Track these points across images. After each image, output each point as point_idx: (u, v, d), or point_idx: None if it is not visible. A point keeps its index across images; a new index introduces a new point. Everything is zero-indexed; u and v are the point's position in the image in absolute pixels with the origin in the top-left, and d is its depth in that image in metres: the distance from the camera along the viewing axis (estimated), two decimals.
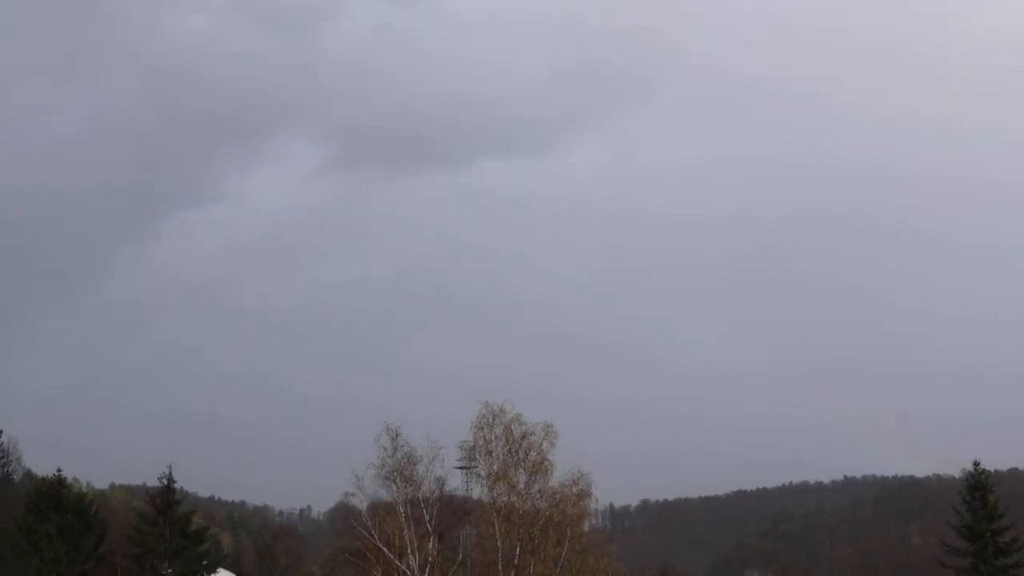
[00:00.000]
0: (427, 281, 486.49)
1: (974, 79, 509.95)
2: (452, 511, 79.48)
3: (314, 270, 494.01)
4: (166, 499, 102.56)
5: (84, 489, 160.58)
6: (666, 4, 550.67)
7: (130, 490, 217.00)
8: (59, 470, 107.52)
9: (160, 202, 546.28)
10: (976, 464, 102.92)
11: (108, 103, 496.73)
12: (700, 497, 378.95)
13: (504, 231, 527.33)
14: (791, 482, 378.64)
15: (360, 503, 73.47)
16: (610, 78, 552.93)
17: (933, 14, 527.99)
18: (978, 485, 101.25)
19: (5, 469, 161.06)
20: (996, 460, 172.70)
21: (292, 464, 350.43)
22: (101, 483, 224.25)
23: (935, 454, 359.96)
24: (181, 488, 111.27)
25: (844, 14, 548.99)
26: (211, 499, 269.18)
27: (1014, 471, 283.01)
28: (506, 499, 69.65)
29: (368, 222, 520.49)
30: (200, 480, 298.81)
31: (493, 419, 70.06)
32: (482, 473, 71.40)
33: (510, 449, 70.00)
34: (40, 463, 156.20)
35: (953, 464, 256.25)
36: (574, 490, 70.09)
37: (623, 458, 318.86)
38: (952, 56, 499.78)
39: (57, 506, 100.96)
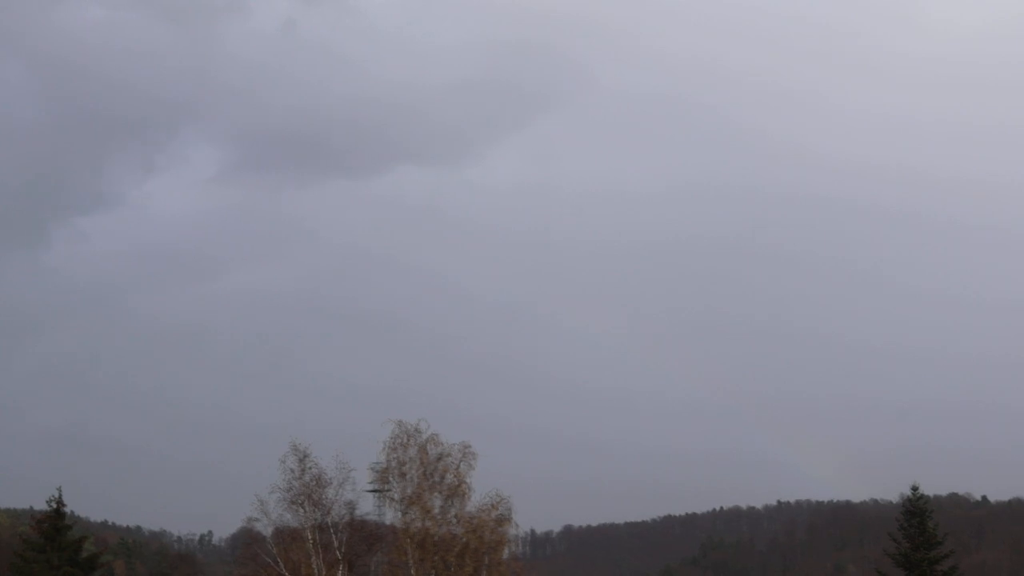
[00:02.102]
0: (333, 294, 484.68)
1: (878, 115, 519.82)
2: (363, 537, 79.26)
3: (215, 279, 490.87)
4: (54, 524, 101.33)
5: None
6: (576, 22, 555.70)
7: (15, 514, 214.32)
8: None
9: (52, 204, 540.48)
10: (914, 489, 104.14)
11: None
12: (626, 523, 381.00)
13: (414, 243, 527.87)
14: (722, 507, 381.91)
15: (264, 528, 73.26)
16: (520, 92, 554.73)
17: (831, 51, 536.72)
18: (916, 511, 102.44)
19: None
20: (935, 486, 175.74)
21: (192, 487, 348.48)
22: None
23: (872, 479, 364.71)
24: (72, 512, 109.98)
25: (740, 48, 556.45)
26: (104, 524, 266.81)
27: (953, 496, 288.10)
28: (420, 524, 69.64)
29: (272, 229, 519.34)
30: (92, 504, 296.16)
31: (407, 439, 70.05)
32: (395, 497, 71.35)
33: (425, 472, 70.02)
34: None
35: (890, 489, 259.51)
36: (493, 515, 70.22)
37: (546, 483, 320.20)
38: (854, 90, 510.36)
39: None
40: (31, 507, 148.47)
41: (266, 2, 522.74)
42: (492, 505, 70.22)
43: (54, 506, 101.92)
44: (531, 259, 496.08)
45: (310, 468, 70.66)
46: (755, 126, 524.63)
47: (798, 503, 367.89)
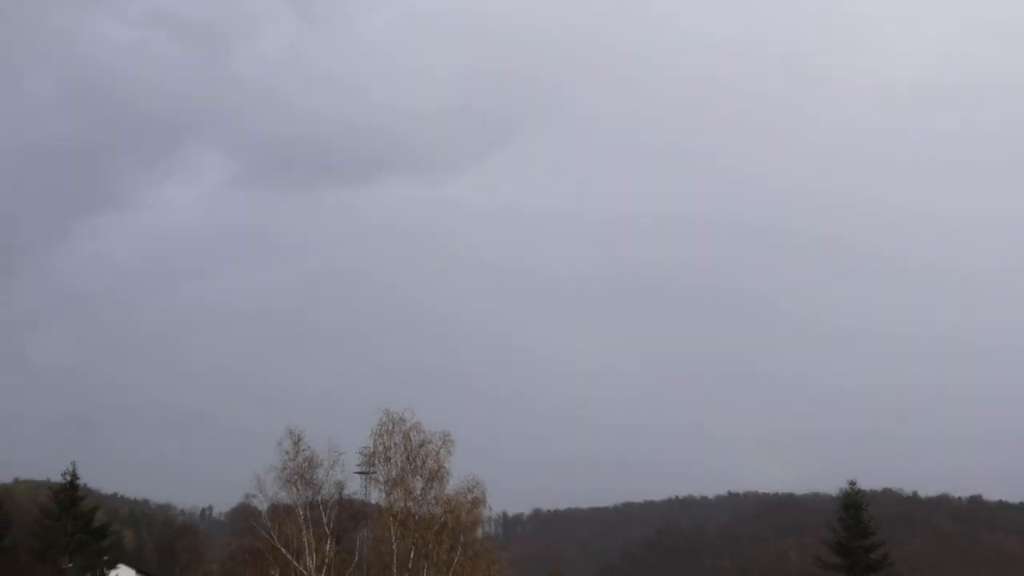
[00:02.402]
0: (326, 295, 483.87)
1: (843, 142, 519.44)
2: (350, 515, 79.11)
3: (224, 275, 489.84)
4: (69, 495, 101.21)
5: None
6: (553, 52, 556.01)
7: (35, 486, 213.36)
8: None
9: (75, 206, 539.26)
10: (852, 483, 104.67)
11: (23, 105, 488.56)
12: (589, 507, 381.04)
13: (397, 256, 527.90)
14: (677, 496, 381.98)
15: (261, 504, 73.03)
16: (499, 116, 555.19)
17: (814, 77, 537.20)
18: (852, 504, 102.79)
19: None
20: (870, 480, 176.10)
21: (194, 465, 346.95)
22: (6, 478, 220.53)
23: (813, 474, 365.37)
24: (85, 485, 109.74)
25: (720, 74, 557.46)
26: (115, 496, 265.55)
27: (887, 491, 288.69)
28: (403, 504, 69.59)
29: (279, 231, 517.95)
30: (104, 477, 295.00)
31: (393, 427, 70.00)
32: (380, 479, 71.27)
33: (408, 456, 69.96)
34: None
35: (830, 483, 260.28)
36: (469, 498, 70.19)
37: (518, 468, 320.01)
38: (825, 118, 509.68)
39: None
40: (48, 479, 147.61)
41: (272, 28, 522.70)
42: (468, 488, 70.18)
43: (69, 479, 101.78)
44: (505, 277, 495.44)
45: (303, 451, 70.49)
46: (723, 157, 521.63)
47: (746, 494, 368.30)
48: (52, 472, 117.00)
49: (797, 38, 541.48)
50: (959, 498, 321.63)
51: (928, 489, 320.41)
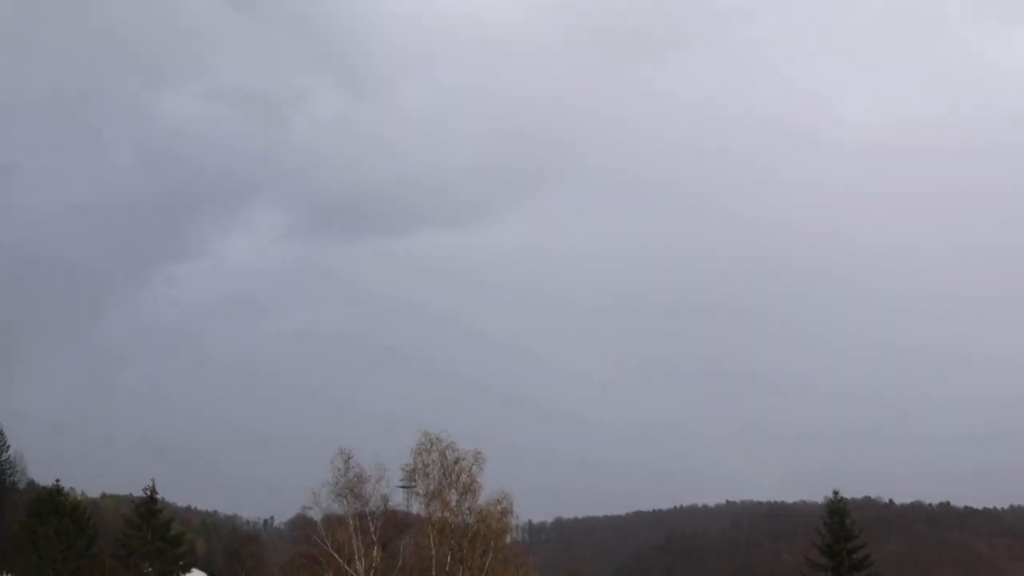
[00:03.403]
0: (370, 332, 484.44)
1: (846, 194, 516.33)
2: (394, 524, 78.87)
3: (275, 320, 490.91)
4: (149, 508, 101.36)
5: (79, 497, 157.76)
6: (567, 113, 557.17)
7: (119, 499, 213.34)
8: (58, 480, 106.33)
9: (152, 257, 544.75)
10: (835, 493, 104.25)
11: (107, 171, 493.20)
12: (605, 516, 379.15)
13: (436, 292, 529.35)
14: (682, 505, 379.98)
15: (316, 515, 73.11)
16: (524, 172, 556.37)
17: (803, 130, 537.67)
18: (836, 511, 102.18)
19: (11, 479, 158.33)
20: (852, 490, 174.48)
21: (258, 481, 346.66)
22: (94, 493, 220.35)
23: (802, 484, 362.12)
24: (162, 499, 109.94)
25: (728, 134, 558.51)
26: (188, 508, 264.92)
27: (867, 499, 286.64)
28: (440, 515, 69.49)
29: (326, 280, 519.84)
30: (179, 491, 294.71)
31: (431, 446, 69.95)
32: (420, 492, 71.21)
33: (444, 472, 69.88)
34: (41, 474, 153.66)
35: (816, 492, 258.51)
36: (498, 508, 70.04)
37: (542, 481, 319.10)
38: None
39: (55, 511, 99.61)
40: (131, 494, 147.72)
41: (322, 99, 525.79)
42: (498, 500, 70.02)
43: (149, 493, 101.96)
44: (531, 306, 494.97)
45: (353, 468, 70.51)
46: (729, 202, 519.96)
47: (743, 502, 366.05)
48: (134, 487, 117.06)
49: (788, 99, 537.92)
50: (930, 504, 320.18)
51: (902, 496, 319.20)
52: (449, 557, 67.96)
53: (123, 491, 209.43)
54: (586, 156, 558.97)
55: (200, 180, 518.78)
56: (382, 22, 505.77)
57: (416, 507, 74.60)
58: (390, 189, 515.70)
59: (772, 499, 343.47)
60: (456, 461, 69.99)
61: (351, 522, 70.48)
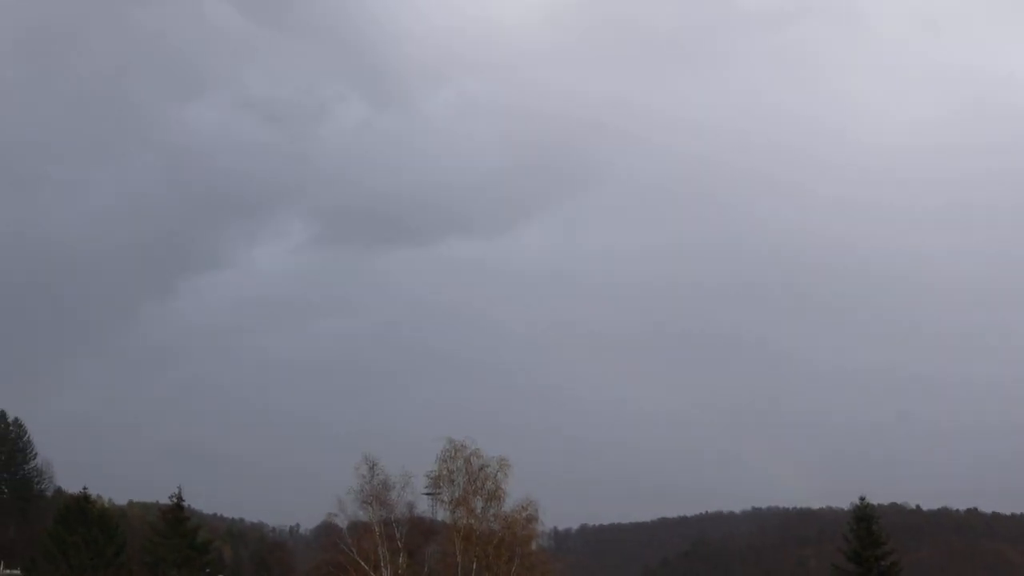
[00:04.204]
0: (400, 335, 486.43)
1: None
2: (420, 531, 79.14)
3: (307, 324, 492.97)
4: (176, 515, 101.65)
5: (106, 505, 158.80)
6: (589, 122, 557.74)
7: (146, 507, 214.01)
8: (85, 488, 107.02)
9: (179, 265, 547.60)
10: (862, 499, 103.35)
11: (134, 182, 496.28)
12: (631, 523, 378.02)
13: (467, 296, 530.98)
14: (707, 511, 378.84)
15: (342, 522, 73.32)
16: (554, 172, 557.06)
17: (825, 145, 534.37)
18: (864, 517, 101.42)
19: (39, 487, 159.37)
20: (879, 496, 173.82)
21: (285, 488, 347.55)
22: (121, 500, 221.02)
23: (827, 489, 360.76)
24: (189, 506, 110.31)
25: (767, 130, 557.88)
26: (214, 516, 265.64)
27: (894, 505, 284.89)
28: (465, 522, 69.53)
29: (354, 286, 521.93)
30: (205, 499, 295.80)
31: (455, 453, 70.04)
32: (445, 499, 71.33)
33: (470, 479, 69.95)
34: (70, 482, 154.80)
35: (842, 498, 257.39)
36: (524, 515, 70.04)
37: (568, 488, 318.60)
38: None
39: (83, 519, 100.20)
40: (158, 501, 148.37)
41: (345, 110, 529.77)
42: (523, 507, 70.05)
43: (175, 501, 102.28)
44: (553, 305, 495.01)
45: (378, 475, 70.73)
46: (758, 218, 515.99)
47: (768, 508, 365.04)
48: (160, 495, 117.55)
49: (805, 111, 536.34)
50: (957, 510, 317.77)
51: (930, 503, 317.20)
52: (475, 564, 67.98)
53: (150, 498, 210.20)
54: (612, 162, 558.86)
55: (224, 192, 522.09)
56: (405, 31, 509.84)
57: (441, 514, 74.83)
58: (410, 201, 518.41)
59: (798, 505, 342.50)
60: (481, 468, 70.09)
61: (377, 529, 70.66)
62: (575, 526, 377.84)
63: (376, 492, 70.78)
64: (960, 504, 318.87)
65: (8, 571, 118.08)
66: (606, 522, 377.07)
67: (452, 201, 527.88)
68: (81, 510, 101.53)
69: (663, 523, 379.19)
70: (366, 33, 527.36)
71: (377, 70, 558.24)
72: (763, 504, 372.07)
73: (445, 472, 70.25)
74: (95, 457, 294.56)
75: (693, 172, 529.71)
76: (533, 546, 73.79)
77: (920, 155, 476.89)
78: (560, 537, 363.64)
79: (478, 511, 69.85)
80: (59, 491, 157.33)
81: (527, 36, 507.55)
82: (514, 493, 70.44)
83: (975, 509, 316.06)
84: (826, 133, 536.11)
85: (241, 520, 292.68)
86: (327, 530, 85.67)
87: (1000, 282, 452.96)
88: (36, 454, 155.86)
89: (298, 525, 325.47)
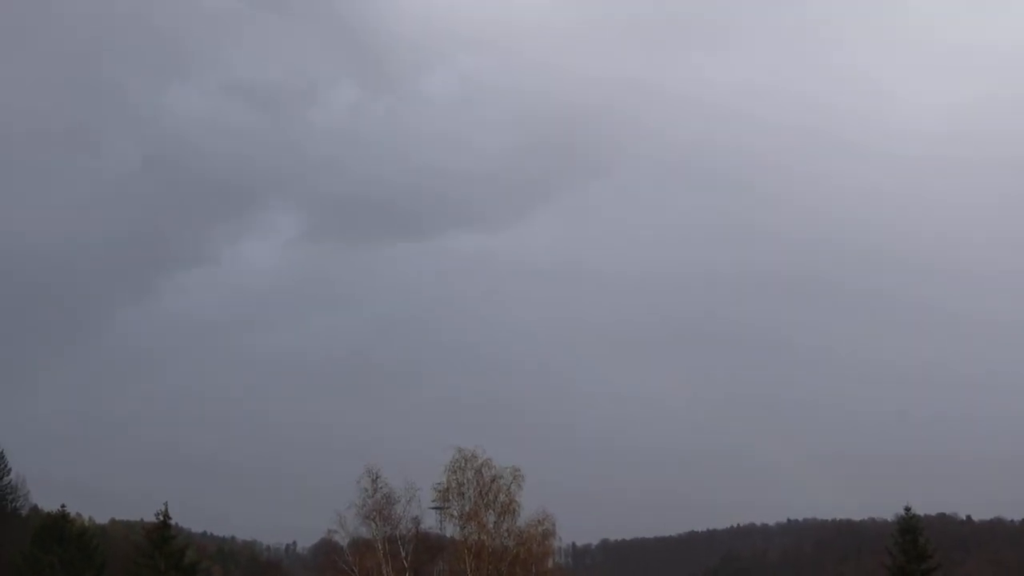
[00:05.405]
0: (401, 331, 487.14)
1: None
2: (427, 548, 78.94)
3: (301, 322, 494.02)
4: (162, 534, 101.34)
5: (86, 523, 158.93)
6: (589, 112, 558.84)
7: (129, 525, 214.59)
8: (63, 506, 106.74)
9: (159, 261, 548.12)
10: (907, 509, 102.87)
11: (110, 171, 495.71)
12: (655, 537, 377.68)
13: (464, 289, 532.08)
14: (739, 524, 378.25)
15: (342, 540, 73.34)
16: (563, 157, 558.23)
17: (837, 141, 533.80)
18: (909, 528, 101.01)
19: (13, 504, 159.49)
20: (925, 506, 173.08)
21: (279, 503, 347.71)
22: (103, 518, 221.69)
23: (868, 500, 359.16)
24: (176, 523, 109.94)
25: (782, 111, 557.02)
26: (203, 534, 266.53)
27: (941, 516, 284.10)
28: (476, 538, 69.40)
29: (348, 280, 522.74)
30: (194, 515, 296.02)
31: (465, 463, 69.98)
32: (455, 513, 71.17)
33: (481, 491, 69.84)
34: (45, 499, 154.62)
35: (885, 508, 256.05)
36: (539, 530, 69.93)
37: (586, 501, 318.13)
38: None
39: (60, 539, 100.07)
40: (142, 519, 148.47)
41: (336, 95, 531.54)
42: (539, 521, 69.95)
43: (161, 518, 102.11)
44: (559, 296, 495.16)
45: (381, 488, 70.67)
46: (751, 215, 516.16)
47: (805, 520, 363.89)
48: (146, 512, 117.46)
49: (816, 105, 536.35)
50: (1012, 521, 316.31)
51: (982, 513, 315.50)
52: None
53: (134, 516, 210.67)
54: (624, 147, 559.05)
55: (209, 182, 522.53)
56: (402, 10, 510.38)
57: (450, 529, 74.64)
58: (405, 192, 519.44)
59: (837, 517, 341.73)
60: (493, 479, 69.96)
61: (380, 547, 70.56)
62: (595, 541, 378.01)
63: (379, 506, 70.76)
64: (1015, 514, 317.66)
65: None
66: (628, 536, 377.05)
67: (455, 189, 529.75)
68: (58, 529, 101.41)
69: (691, 537, 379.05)
70: (360, 11, 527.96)
71: (373, 51, 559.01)
72: (799, 516, 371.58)
73: (454, 484, 70.16)
74: (74, 472, 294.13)
75: (709, 157, 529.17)
76: (550, 564, 73.73)
77: (949, 142, 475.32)
78: (579, 553, 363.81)
79: (490, 526, 69.75)
80: (35, 509, 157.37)
81: (534, 15, 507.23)
82: (528, 505, 70.41)
83: None
84: (850, 117, 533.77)
85: (233, 538, 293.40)
86: (326, 548, 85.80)
87: None
88: (10, 469, 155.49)
89: (295, 543, 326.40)
